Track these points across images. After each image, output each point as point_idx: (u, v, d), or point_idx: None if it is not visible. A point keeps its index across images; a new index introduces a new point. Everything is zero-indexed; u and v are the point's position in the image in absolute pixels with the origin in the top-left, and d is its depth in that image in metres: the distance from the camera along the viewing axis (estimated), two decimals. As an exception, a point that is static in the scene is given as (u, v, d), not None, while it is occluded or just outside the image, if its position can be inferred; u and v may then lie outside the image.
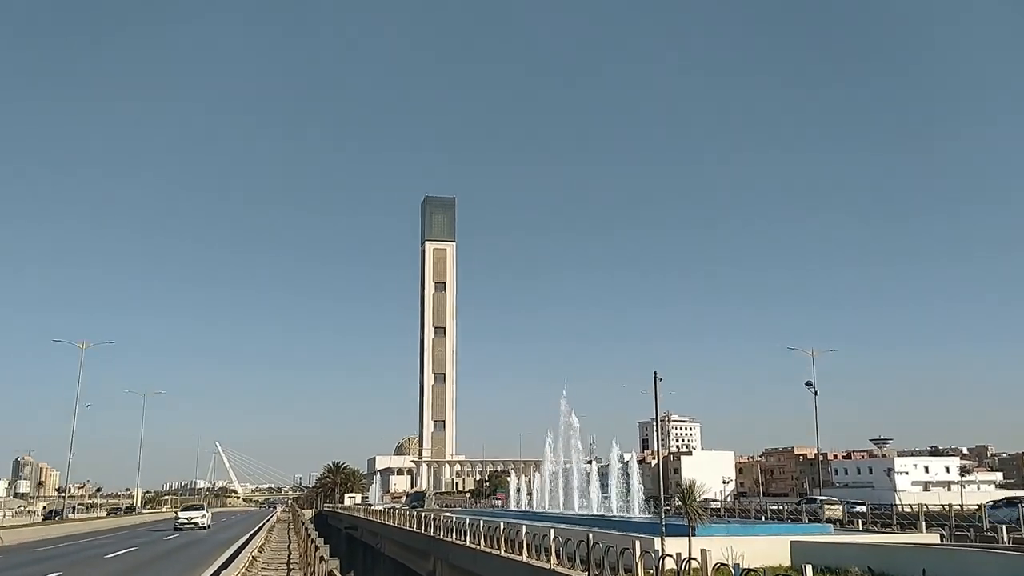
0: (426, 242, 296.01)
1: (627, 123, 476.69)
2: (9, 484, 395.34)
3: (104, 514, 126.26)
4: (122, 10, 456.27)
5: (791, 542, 24.25)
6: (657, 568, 17.25)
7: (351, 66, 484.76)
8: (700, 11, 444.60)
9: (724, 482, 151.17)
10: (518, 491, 79.62)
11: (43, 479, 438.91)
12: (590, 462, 67.34)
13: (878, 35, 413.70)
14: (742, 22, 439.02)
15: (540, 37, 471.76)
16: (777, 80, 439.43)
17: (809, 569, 16.87)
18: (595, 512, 56.96)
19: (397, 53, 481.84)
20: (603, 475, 65.11)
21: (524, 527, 26.34)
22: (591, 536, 20.17)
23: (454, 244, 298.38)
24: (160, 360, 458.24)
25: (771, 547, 24.23)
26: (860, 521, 44.33)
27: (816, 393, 61.86)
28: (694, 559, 14.98)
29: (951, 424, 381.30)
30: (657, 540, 22.01)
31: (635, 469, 62.38)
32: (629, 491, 58.97)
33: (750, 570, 14.08)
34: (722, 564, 15.28)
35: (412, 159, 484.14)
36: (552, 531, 23.21)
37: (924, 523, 40.97)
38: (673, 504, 46.59)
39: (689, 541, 21.32)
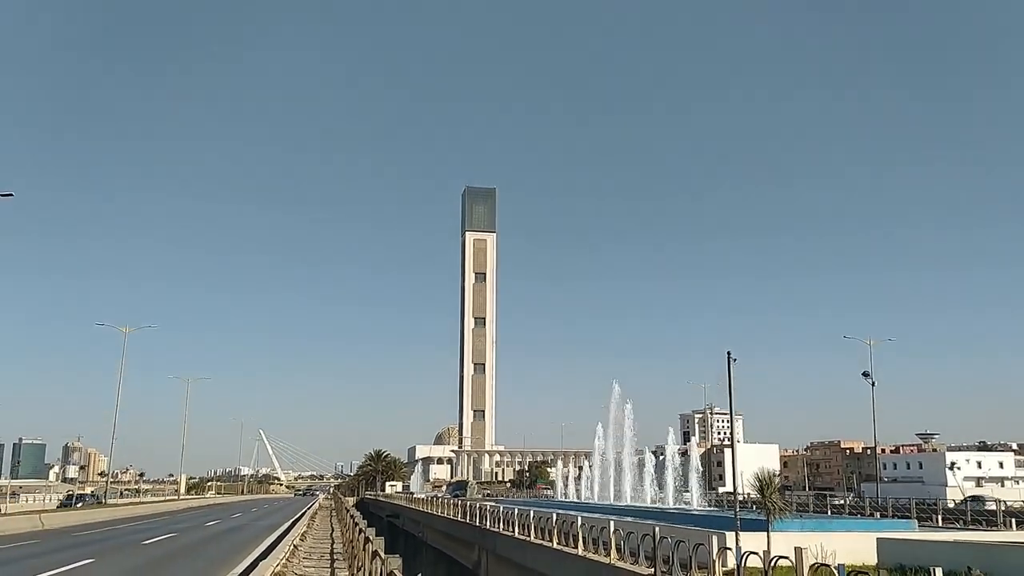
0: (467, 232, 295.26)
1: (672, 111, 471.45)
2: (60, 468, 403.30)
3: (147, 499, 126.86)
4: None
5: (878, 539, 22.14)
6: (739, 566, 15.44)
7: (394, 58, 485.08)
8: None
9: (773, 476, 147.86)
10: (565, 482, 77.44)
11: (92, 464, 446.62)
12: (641, 452, 65.16)
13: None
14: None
15: (582, 28, 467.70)
16: (864, 82, 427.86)
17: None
18: (650, 504, 54.98)
19: (439, 45, 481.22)
20: (654, 467, 63.04)
21: (579, 519, 24.59)
22: (657, 530, 18.38)
23: (495, 235, 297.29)
24: (204, 346, 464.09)
25: (855, 544, 22.21)
26: (939, 517, 41.62)
27: (874, 384, 59.29)
28: (784, 557, 13.09)
29: (999, 419, 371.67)
30: (730, 536, 20.12)
31: (695, 460, 60.26)
32: (687, 483, 56.89)
33: (859, 571, 12.16)
34: (821, 564, 13.36)
35: (453, 150, 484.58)
36: (612, 523, 21.43)
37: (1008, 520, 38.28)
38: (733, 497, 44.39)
39: (768, 537, 19.42)
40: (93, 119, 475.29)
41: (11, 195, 45.64)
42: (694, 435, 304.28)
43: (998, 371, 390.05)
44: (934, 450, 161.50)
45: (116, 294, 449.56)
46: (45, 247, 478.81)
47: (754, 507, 39.17)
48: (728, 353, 22.67)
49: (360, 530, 18.96)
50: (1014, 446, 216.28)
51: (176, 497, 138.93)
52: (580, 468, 79.45)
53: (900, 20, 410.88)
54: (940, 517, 41.51)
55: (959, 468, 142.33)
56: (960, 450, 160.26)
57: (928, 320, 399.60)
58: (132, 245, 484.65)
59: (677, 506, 51.54)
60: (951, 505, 52.08)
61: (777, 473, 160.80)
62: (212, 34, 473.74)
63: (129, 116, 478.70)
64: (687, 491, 61.95)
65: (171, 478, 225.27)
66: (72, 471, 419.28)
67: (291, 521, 55.65)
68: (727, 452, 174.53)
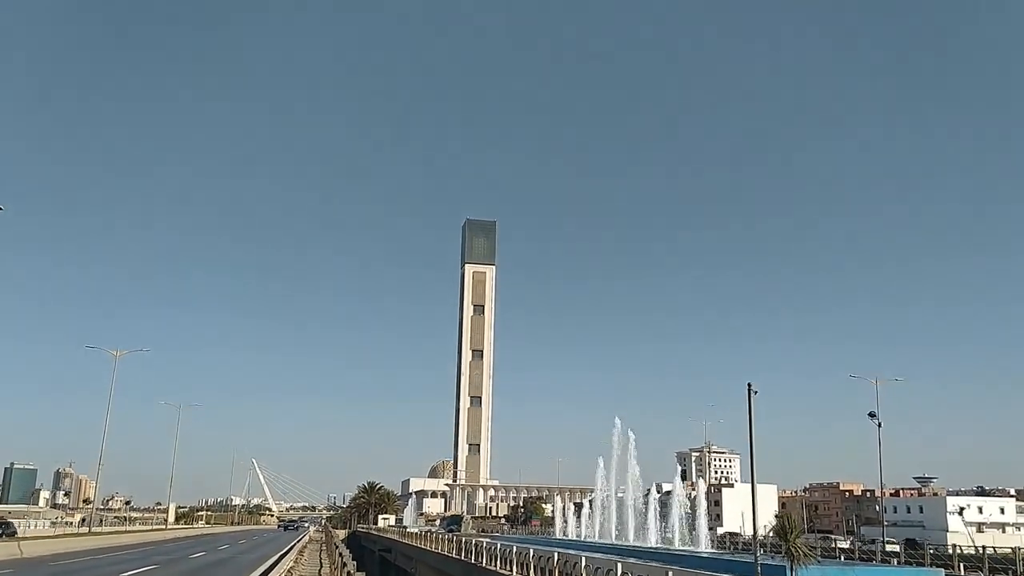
0: (466, 265, 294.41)
1: (673, 149, 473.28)
2: (50, 494, 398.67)
3: (133, 528, 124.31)
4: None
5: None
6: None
7: (394, 91, 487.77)
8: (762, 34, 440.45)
9: (776, 516, 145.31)
10: (564, 519, 74.89)
11: (82, 490, 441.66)
12: (647, 493, 63.20)
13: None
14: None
15: (584, 62, 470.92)
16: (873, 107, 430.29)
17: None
18: (655, 544, 53.09)
19: (440, 78, 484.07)
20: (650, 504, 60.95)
21: (583, 559, 23.13)
22: (671, 574, 16.96)
23: (494, 267, 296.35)
24: (199, 373, 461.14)
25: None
26: (961, 565, 39.88)
27: (880, 425, 57.63)
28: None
29: (996, 464, 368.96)
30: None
31: (701, 500, 58.38)
32: (695, 523, 55.02)
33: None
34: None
35: (454, 183, 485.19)
36: (619, 566, 19.98)
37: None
38: (738, 540, 42.68)
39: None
40: (91, 132, 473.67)
41: (1, 209, 44.53)
42: (691, 473, 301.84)
43: (997, 415, 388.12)
44: (935, 494, 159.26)
45: (110, 318, 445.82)
46: (36, 266, 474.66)
47: (769, 551, 37.60)
48: (748, 385, 21.41)
49: (344, 563, 17.53)
50: (1012, 491, 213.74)
51: (163, 526, 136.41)
52: (580, 505, 77.42)
53: (928, 56, 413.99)
54: (961, 565, 39.77)
55: (960, 513, 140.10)
56: (959, 495, 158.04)
57: (926, 361, 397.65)
58: (128, 266, 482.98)
59: (685, 548, 49.69)
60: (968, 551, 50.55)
61: (781, 514, 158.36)
62: (207, 63, 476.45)
63: (119, 135, 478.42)
64: (692, 531, 60.08)
65: (158, 506, 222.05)
66: (61, 497, 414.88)
67: (279, 554, 53.84)
68: (724, 492, 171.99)
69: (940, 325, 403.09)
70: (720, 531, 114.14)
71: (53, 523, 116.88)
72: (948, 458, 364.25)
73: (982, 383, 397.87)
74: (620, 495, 59.68)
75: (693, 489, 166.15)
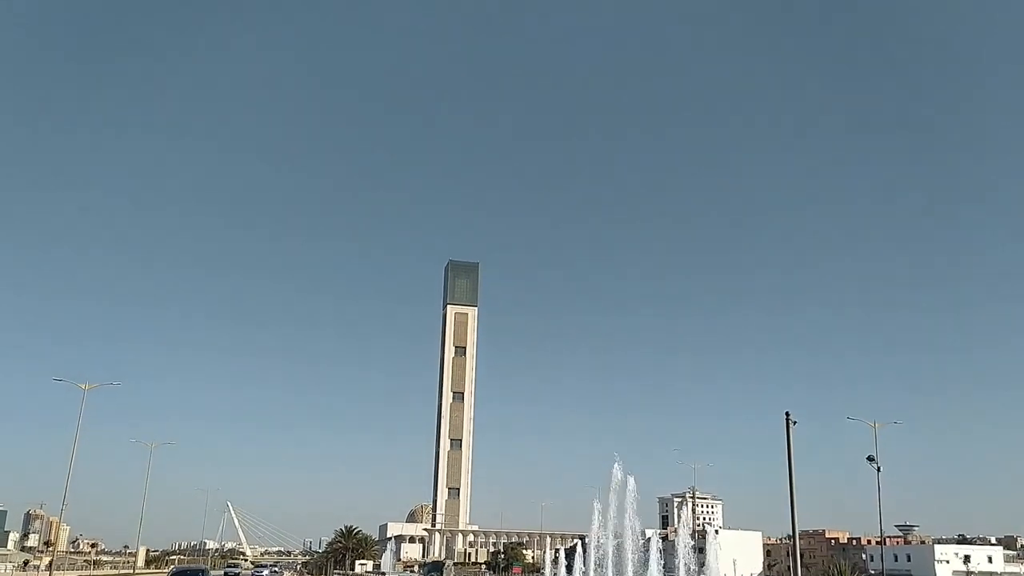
0: (448, 306, 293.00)
1: (655, 189, 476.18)
2: (20, 538, 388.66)
3: (100, 571, 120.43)
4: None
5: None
6: None
7: (376, 128, 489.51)
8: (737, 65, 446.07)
9: (769, 565, 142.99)
10: (555, 568, 71.42)
11: (53, 532, 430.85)
12: (647, 539, 60.84)
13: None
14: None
15: (567, 99, 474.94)
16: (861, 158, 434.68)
17: None
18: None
19: (423, 116, 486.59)
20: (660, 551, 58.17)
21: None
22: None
23: (476, 309, 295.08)
24: (170, 415, 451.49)
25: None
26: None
27: (879, 469, 56.01)
28: None
29: (976, 511, 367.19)
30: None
31: (713, 548, 56.30)
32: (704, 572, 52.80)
33: None
34: None
35: (435, 223, 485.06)
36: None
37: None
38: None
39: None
40: (55, 158, 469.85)
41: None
42: (672, 519, 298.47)
43: (979, 463, 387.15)
44: (922, 542, 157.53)
45: (86, 353, 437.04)
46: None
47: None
48: (787, 415, 20.07)
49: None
50: (993, 540, 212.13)
51: (131, 571, 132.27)
52: (570, 551, 74.71)
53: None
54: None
55: (947, 561, 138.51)
56: (942, 543, 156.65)
57: (908, 406, 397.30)
58: (100, 303, 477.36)
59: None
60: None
61: (776, 562, 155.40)
62: (189, 95, 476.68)
63: (101, 173, 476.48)
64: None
65: (125, 549, 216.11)
66: (33, 540, 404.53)
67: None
68: (708, 538, 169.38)
69: (913, 369, 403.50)
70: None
71: (20, 567, 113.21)
72: (924, 506, 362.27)
73: (956, 428, 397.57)
74: (616, 541, 56.88)
75: (676, 534, 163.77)
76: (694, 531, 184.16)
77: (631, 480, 54.47)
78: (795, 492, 20.09)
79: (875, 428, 56.27)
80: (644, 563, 53.25)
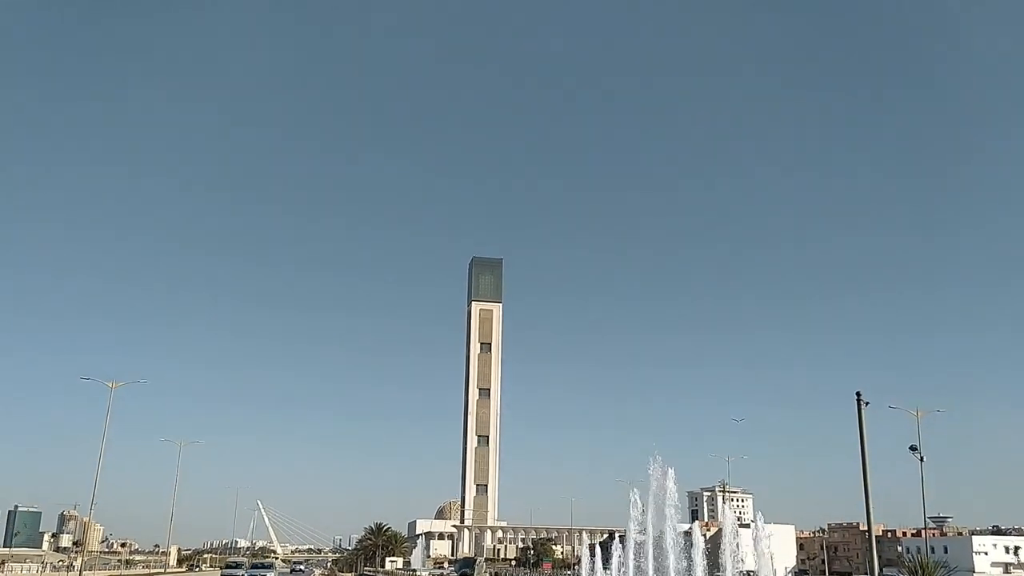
0: (472, 303, 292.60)
1: (678, 183, 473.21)
2: (53, 538, 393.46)
3: (130, 571, 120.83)
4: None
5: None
6: None
7: (402, 126, 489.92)
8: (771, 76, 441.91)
9: (810, 557, 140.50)
10: (592, 563, 69.88)
11: (88, 533, 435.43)
12: (688, 532, 59.34)
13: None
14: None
15: (592, 95, 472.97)
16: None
17: None
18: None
19: (447, 112, 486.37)
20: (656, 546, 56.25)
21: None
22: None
23: (500, 305, 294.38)
24: (202, 411, 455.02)
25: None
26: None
27: (922, 459, 54.29)
28: None
29: (1009, 502, 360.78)
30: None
31: (762, 541, 54.80)
32: (718, 567, 51.43)
33: None
34: None
35: (460, 220, 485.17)
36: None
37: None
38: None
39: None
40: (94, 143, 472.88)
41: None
42: (702, 513, 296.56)
43: (1009, 452, 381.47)
44: (959, 533, 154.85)
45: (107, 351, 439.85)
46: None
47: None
48: (858, 395, 19.04)
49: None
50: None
51: (162, 571, 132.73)
52: (606, 546, 73.26)
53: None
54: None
55: (986, 553, 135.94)
56: (979, 534, 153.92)
57: (928, 394, 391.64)
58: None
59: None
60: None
61: (816, 555, 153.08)
62: (208, 98, 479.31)
63: (128, 147, 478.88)
64: (719, 573, 56.25)
65: (156, 548, 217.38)
66: (66, 540, 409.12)
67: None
68: (758, 530, 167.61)
69: (958, 352, 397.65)
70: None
71: (54, 567, 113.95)
72: (954, 497, 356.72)
73: (983, 417, 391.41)
74: (656, 535, 55.06)
75: (707, 529, 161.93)
76: (734, 525, 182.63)
77: (671, 471, 53.03)
78: (869, 479, 19.01)
79: (918, 416, 54.55)
80: (686, 558, 51.68)
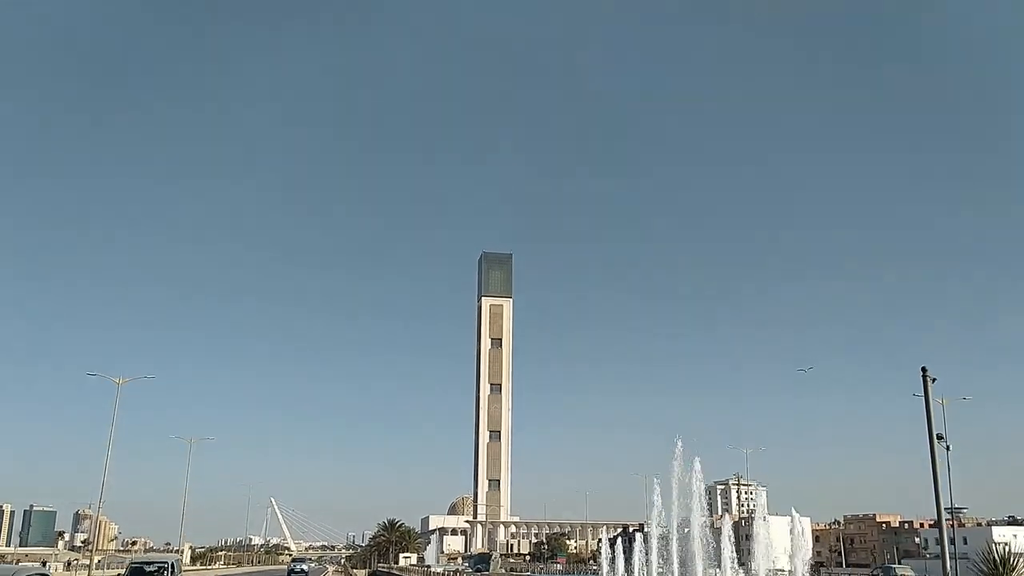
0: (483, 298, 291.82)
1: (688, 178, 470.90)
2: (68, 536, 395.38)
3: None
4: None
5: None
6: None
7: (410, 123, 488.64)
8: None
9: (832, 549, 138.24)
10: (612, 557, 68.11)
11: (102, 532, 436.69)
12: (713, 523, 58.13)
13: None
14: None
15: (601, 90, 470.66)
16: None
17: None
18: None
19: (456, 108, 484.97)
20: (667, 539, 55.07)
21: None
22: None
23: (511, 300, 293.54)
24: (212, 411, 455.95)
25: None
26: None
27: (949, 448, 53.01)
28: None
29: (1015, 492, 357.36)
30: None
31: (796, 531, 53.69)
32: (741, 560, 50.26)
33: None
34: None
35: (469, 215, 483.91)
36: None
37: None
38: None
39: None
40: (95, 152, 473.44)
41: None
42: (716, 506, 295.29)
43: (1020, 443, 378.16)
44: (977, 524, 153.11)
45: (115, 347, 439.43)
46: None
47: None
48: (923, 370, 17.92)
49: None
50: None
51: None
52: (629, 538, 71.96)
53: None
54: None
55: (1006, 544, 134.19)
56: (996, 524, 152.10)
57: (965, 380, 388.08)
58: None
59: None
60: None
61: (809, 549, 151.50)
62: (216, 104, 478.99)
63: (130, 156, 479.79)
64: (736, 568, 55.00)
65: (168, 546, 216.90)
66: (80, 539, 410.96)
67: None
68: (794, 522, 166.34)
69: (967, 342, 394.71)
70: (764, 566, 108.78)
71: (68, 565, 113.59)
72: (968, 487, 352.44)
73: (996, 406, 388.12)
74: (684, 529, 53.54)
75: (720, 520, 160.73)
76: (740, 518, 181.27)
77: (697, 461, 51.61)
78: (938, 466, 17.86)
79: (943, 405, 53.27)
80: (712, 551, 50.19)
